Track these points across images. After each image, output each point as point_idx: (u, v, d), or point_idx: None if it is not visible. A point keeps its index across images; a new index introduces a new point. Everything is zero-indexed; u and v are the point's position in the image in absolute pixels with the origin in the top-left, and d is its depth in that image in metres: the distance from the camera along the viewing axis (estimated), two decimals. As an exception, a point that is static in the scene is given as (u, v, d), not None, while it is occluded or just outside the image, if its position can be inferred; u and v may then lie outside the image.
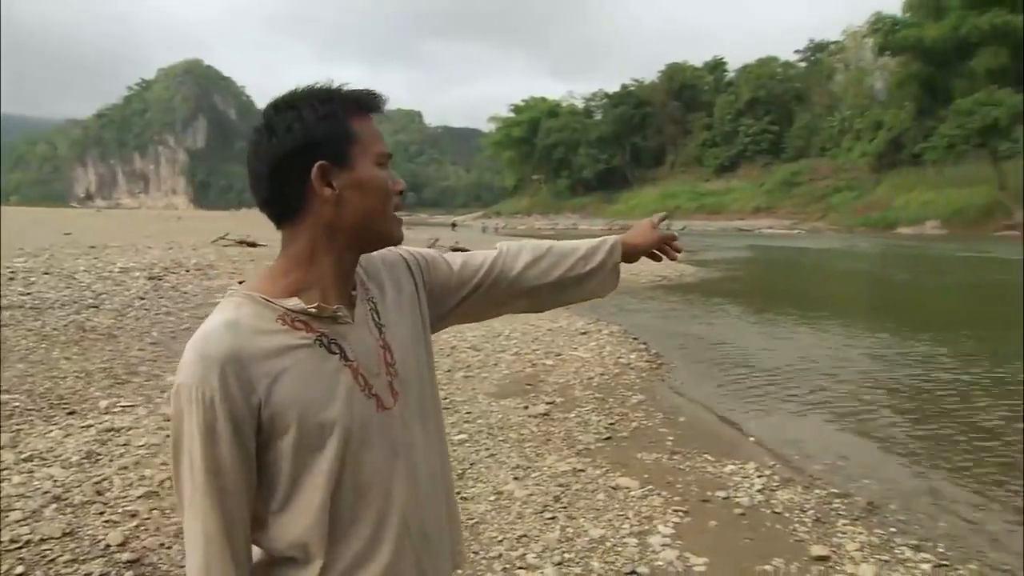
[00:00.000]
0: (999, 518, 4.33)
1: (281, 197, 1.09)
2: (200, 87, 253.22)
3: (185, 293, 11.08)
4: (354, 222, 1.09)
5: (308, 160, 1.05)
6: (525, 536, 3.69)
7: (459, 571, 1.31)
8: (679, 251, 1.56)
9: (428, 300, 1.28)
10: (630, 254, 1.51)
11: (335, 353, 1.08)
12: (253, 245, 21.06)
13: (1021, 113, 46.89)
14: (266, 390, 1.01)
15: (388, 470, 1.11)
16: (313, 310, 1.06)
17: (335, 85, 1.11)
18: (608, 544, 3.62)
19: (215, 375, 0.99)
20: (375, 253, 1.23)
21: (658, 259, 1.58)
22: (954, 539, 3.95)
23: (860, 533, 3.87)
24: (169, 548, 3.37)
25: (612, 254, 1.47)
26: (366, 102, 1.11)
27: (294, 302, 1.06)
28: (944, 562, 3.59)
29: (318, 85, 1.11)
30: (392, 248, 1.24)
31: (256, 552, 1.10)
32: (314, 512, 1.05)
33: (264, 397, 1.01)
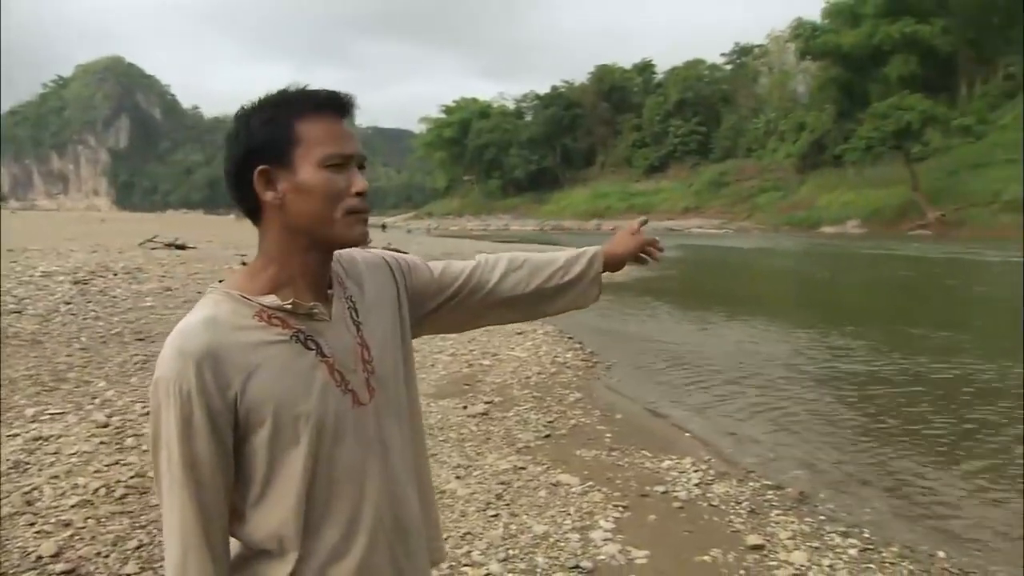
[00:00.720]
0: (917, 502, 4.54)
1: (242, 201, 1.13)
2: (122, 85, 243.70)
3: (114, 297, 10.71)
4: (301, 224, 1.10)
5: (252, 165, 1.09)
6: (469, 534, 3.70)
7: (439, 566, 1.32)
8: (661, 251, 1.57)
9: (409, 303, 1.30)
10: (613, 263, 1.51)
11: (311, 349, 1.10)
12: (183, 248, 20.60)
13: (931, 117, 49.14)
14: (242, 385, 1.04)
15: (362, 465, 1.13)
16: (288, 306, 1.08)
17: (307, 87, 1.12)
18: (551, 540, 3.66)
19: (192, 370, 1.01)
20: (357, 254, 1.26)
21: (643, 262, 1.58)
22: (878, 524, 4.13)
23: (792, 522, 4.01)
24: (107, 557, 3.26)
25: (592, 265, 1.47)
26: (319, 102, 1.10)
27: (271, 299, 1.09)
28: (869, 546, 3.75)
29: (282, 88, 1.12)
30: (375, 250, 1.28)
31: (235, 545, 1.12)
32: (290, 505, 1.08)
33: (240, 391, 1.04)
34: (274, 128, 1.08)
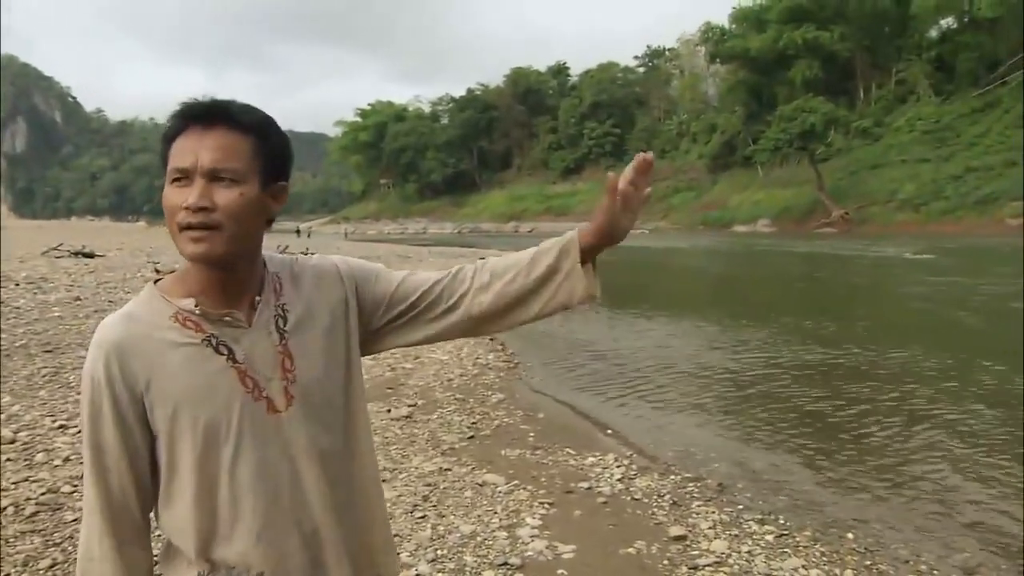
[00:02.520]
0: (826, 488, 4.74)
1: None
2: (17, 86, 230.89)
3: (17, 308, 10.22)
4: None
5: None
6: (397, 536, 3.66)
7: None
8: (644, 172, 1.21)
9: (359, 313, 1.25)
10: (600, 240, 1.22)
11: (222, 354, 1.11)
12: (91, 256, 19.89)
13: (833, 119, 51.55)
14: (147, 380, 1.08)
15: (276, 471, 1.13)
16: (198, 311, 1.10)
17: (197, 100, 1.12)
18: (479, 539, 3.68)
19: (102, 361, 1.07)
20: (312, 261, 1.25)
21: (632, 208, 1.21)
22: (792, 511, 4.29)
23: (712, 512, 4.13)
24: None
25: (565, 255, 1.22)
26: (179, 118, 1.09)
27: (188, 302, 1.11)
28: (784, 531, 3.91)
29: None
30: (330, 257, 1.27)
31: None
32: (187, 505, 1.09)
33: (145, 387, 1.08)
34: (162, 146, 1.11)
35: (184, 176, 1.06)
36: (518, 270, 1.24)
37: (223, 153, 1.06)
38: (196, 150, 1.06)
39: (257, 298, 1.14)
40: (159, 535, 1.18)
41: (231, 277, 1.13)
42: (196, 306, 1.10)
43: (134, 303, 1.13)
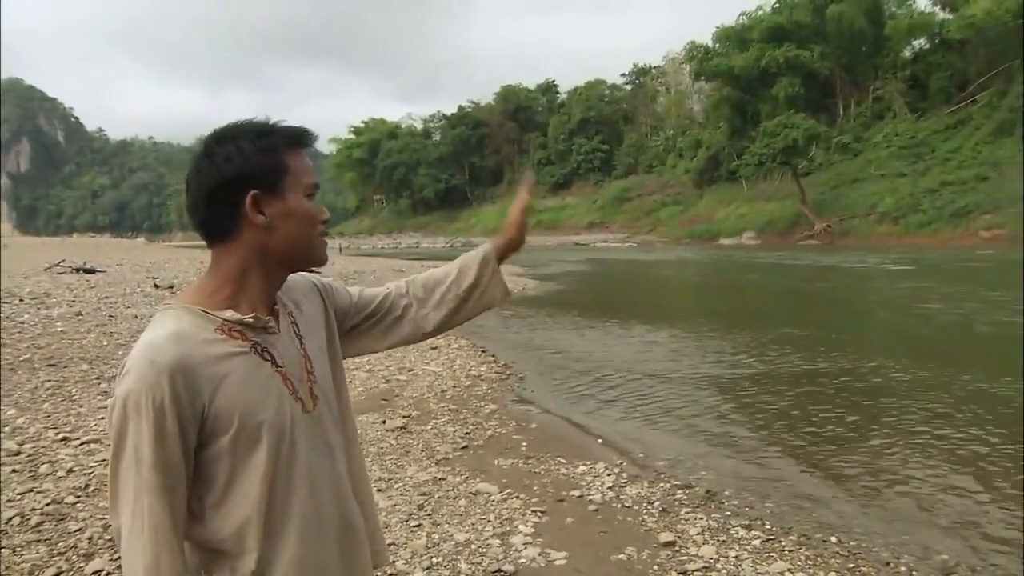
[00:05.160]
0: (810, 494, 4.85)
1: (216, 220, 1.19)
2: (22, 108, 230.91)
3: (21, 323, 10.25)
4: (284, 246, 1.21)
5: (243, 188, 1.16)
6: (393, 544, 3.75)
7: (381, 570, 1.41)
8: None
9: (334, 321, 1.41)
10: (508, 247, 1.57)
11: (267, 360, 1.19)
12: (92, 272, 19.99)
13: (814, 135, 52.16)
14: (211, 394, 1.11)
15: (314, 467, 1.22)
16: (250, 320, 1.17)
17: (271, 121, 1.22)
18: (473, 547, 3.76)
19: (165, 381, 1.07)
20: (291, 276, 1.34)
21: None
22: (778, 516, 4.41)
23: (701, 519, 4.23)
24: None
25: (486, 267, 1.52)
26: (300, 138, 1.23)
27: (230, 314, 1.17)
28: (771, 536, 4.01)
29: (256, 120, 1.21)
30: (304, 274, 1.38)
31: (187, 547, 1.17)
32: (252, 505, 1.14)
33: (208, 400, 1.11)
34: (270, 156, 1.17)
35: (315, 193, 1.24)
36: (448, 283, 1.51)
37: None
38: (312, 170, 1.25)
39: (276, 307, 1.25)
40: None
41: (279, 287, 1.26)
42: (251, 316, 1.17)
43: (170, 321, 1.14)
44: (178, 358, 1.09)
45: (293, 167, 1.20)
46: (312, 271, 1.38)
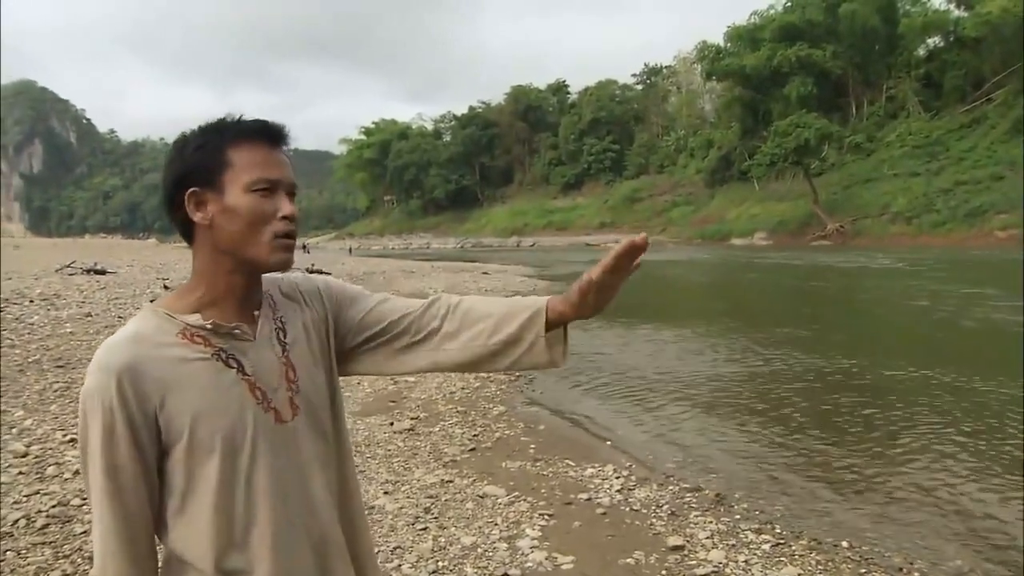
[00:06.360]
0: (821, 497, 4.80)
1: (176, 223, 1.18)
2: (35, 110, 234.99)
3: (31, 324, 10.26)
4: (227, 245, 1.14)
5: (184, 188, 1.13)
6: (399, 548, 3.73)
7: None
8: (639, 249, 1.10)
9: (335, 332, 1.31)
10: (567, 318, 1.20)
11: (232, 367, 1.14)
12: (103, 273, 20.15)
13: (827, 135, 51.95)
14: (161, 399, 1.09)
15: (285, 479, 1.16)
16: (209, 326, 1.13)
17: (242, 116, 1.17)
18: (480, 550, 3.73)
19: (113, 383, 1.06)
20: (294, 277, 1.30)
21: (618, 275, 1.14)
22: (788, 520, 4.36)
23: (710, 522, 4.19)
24: None
25: (530, 326, 1.22)
26: (250, 129, 1.15)
27: (194, 318, 1.14)
28: (780, 540, 3.97)
29: (220, 117, 1.17)
30: (315, 277, 1.33)
31: (164, 552, 1.15)
32: (206, 516, 1.11)
33: (159, 405, 1.09)
34: (206, 153, 1.13)
35: (270, 188, 1.14)
36: (484, 328, 1.25)
37: (293, 173, 1.18)
38: (277, 165, 1.16)
39: (257, 312, 1.19)
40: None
41: (253, 290, 1.19)
42: (210, 322, 1.13)
43: (135, 323, 1.13)
44: (128, 360, 1.07)
45: (236, 162, 1.13)
46: (317, 273, 1.34)
